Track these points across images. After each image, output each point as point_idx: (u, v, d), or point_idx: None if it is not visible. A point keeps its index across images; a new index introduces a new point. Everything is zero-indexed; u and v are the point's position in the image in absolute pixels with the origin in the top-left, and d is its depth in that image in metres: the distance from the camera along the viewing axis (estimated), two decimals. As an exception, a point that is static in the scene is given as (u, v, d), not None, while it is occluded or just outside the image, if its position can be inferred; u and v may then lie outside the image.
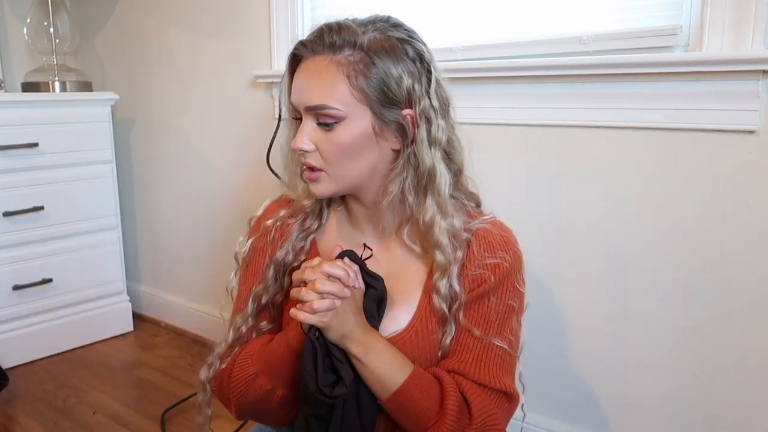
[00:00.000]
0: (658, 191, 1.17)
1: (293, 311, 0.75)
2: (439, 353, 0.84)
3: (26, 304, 1.94)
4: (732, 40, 1.03)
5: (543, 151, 1.29)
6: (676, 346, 1.18)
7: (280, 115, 0.91)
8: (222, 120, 1.94)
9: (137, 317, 2.29)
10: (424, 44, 0.82)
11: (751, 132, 1.05)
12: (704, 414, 1.17)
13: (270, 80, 1.75)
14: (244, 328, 0.90)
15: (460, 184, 0.88)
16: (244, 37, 1.82)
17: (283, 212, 0.93)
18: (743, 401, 1.13)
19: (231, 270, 0.96)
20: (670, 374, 1.20)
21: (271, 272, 0.90)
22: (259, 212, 0.96)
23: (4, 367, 1.81)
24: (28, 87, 2.07)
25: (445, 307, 0.82)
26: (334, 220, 0.93)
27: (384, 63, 0.77)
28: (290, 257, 0.90)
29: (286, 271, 0.91)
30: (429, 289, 0.84)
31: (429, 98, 0.79)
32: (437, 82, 0.81)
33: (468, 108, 1.32)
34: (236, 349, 0.89)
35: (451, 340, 0.83)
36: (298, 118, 0.83)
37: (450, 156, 0.84)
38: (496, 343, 0.82)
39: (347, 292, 0.76)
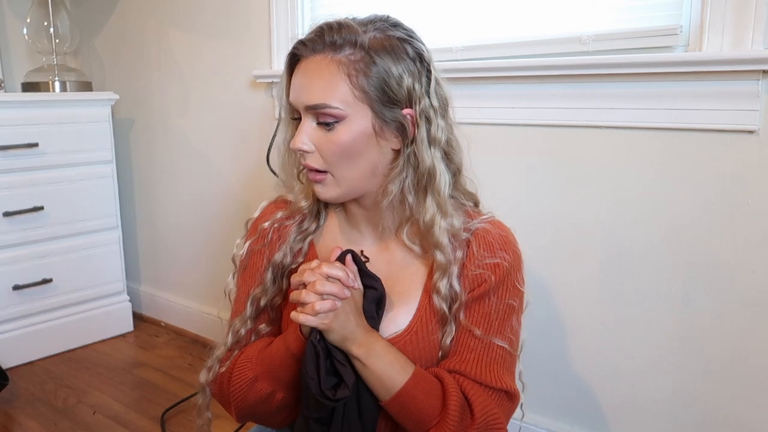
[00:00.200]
0: (657, 191, 1.16)
1: (293, 314, 0.74)
2: (440, 353, 0.84)
3: (26, 304, 1.94)
4: (732, 40, 1.03)
5: (543, 151, 1.29)
6: (676, 345, 1.18)
7: (280, 115, 0.91)
8: (222, 120, 1.94)
9: (137, 317, 2.29)
10: (423, 44, 0.82)
11: (751, 132, 1.05)
12: (704, 414, 1.17)
13: (270, 80, 1.75)
14: (242, 331, 0.90)
15: (459, 183, 0.88)
16: (244, 37, 1.82)
17: (280, 214, 0.92)
18: (743, 401, 1.13)
19: (231, 270, 0.96)
20: (670, 374, 1.20)
21: (269, 275, 0.89)
22: (256, 214, 0.95)
23: (4, 367, 1.82)
24: (28, 87, 2.07)
25: (445, 307, 0.82)
26: (332, 222, 0.92)
27: (384, 62, 0.77)
28: (288, 259, 0.90)
29: (284, 274, 0.90)
30: (429, 289, 0.83)
31: (429, 98, 0.79)
32: (437, 81, 0.81)
33: (468, 108, 1.32)
34: (235, 352, 0.89)
35: (452, 340, 0.83)
36: (296, 118, 0.82)
37: (449, 156, 0.84)
38: (497, 342, 0.82)
39: (347, 293, 0.76)
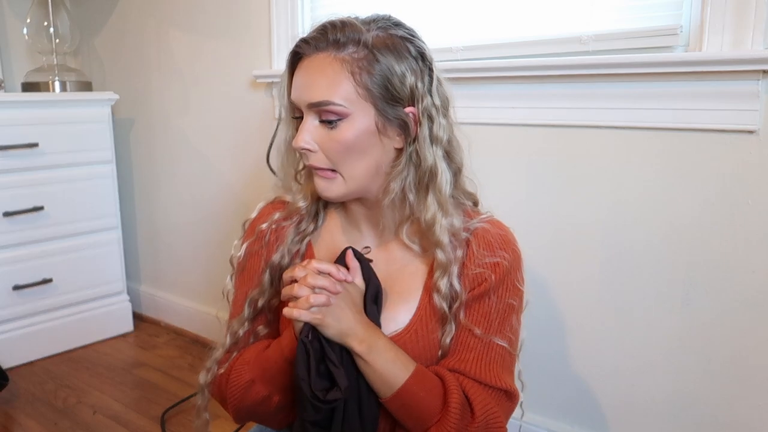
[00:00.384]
0: (657, 191, 1.17)
1: (286, 310, 0.74)
2: (439, 352, 0.84)
3: (26, 304, 1.94)
4: (732, 40, 1.03)
5: (543, 151, 1.29)
6: (676, 345, 1.18)
7: (280, 115, 0.90)
8: (222, 120, 1.94)
9: (137, 317, 2.29)
10: (424, 43, 0.82)
11: (751, 132, 1.06)
12: (704, 414, 1.17)
13: (270, 80, 1.75)
14: (241, 333, 0.89)
15: (459, 183, 0.88)
16: (244, 37, 1.82)
17: (277, 215, 0.92)
18: (743, 401, 1.13)
19: (230, 271, 0.96)
20: (670, 374, 1.20)
21: (266, 276, 0.89)
22: (254, 215, 0.95)
23: (4, 367, 1.81)
24: (28, 87, 2.07)
25: (445, 306, 0.82)
26: (331, 222, 0.92)
27: (387, 60, 0.77)
28: (286, 260, 0.89)
29: (281, 275, 0.90)
30: (429, 287, 0.83)
31: (431, 96, 0.79)
32: (438, 80, 0.82)
33: (468, 108, 1.32)
34: (234, 353, 0.89)
35: (451, 339, 0.83)
36: (297, 117, 0.82)
37: (450, 155, 0.84)
38: (497, 341, 0.82)
39: (339, 288, 0.76)
